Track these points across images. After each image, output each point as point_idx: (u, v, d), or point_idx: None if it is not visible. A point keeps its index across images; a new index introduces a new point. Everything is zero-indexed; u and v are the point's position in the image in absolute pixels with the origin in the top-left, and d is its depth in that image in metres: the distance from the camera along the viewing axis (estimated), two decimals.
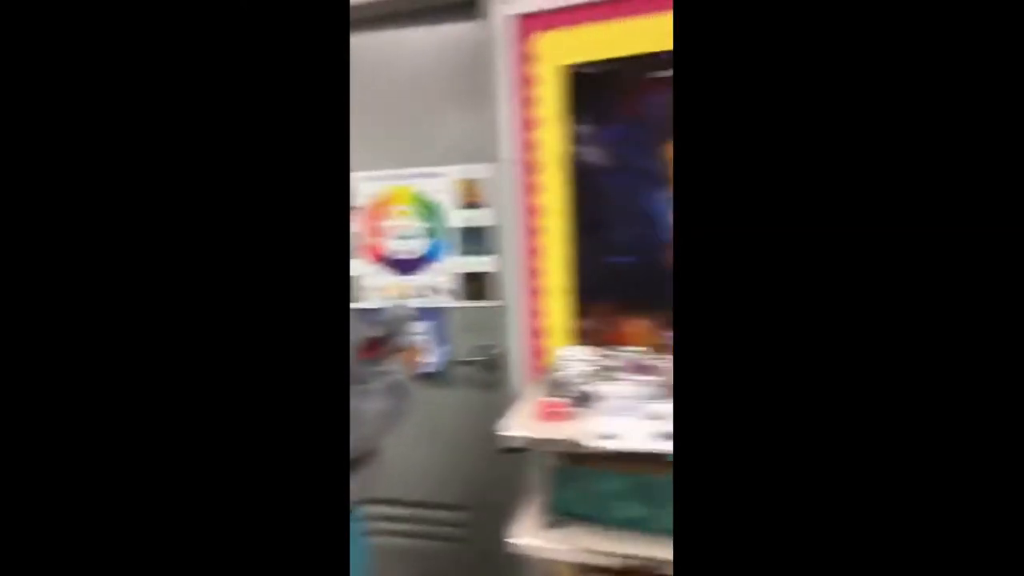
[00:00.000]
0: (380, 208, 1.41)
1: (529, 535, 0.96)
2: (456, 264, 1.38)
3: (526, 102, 1.23)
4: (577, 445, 0.88)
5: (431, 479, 1.44)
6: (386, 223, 1.41)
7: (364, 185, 1.41)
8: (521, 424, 0.96)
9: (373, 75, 1.38)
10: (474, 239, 1.36)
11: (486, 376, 1.38)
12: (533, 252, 1.27)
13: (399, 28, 1.36)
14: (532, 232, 1.27)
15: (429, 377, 1.40)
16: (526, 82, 1.23)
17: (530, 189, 1.25)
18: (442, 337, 1.40)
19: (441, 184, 1.37)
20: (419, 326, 1.36)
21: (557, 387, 1.05)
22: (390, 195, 1.40)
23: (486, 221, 1.34)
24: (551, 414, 0.98)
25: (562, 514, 0.97)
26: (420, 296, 1.40)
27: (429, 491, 1.45)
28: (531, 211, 1.26)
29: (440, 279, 1.39)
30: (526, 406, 1.05)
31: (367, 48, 1.36)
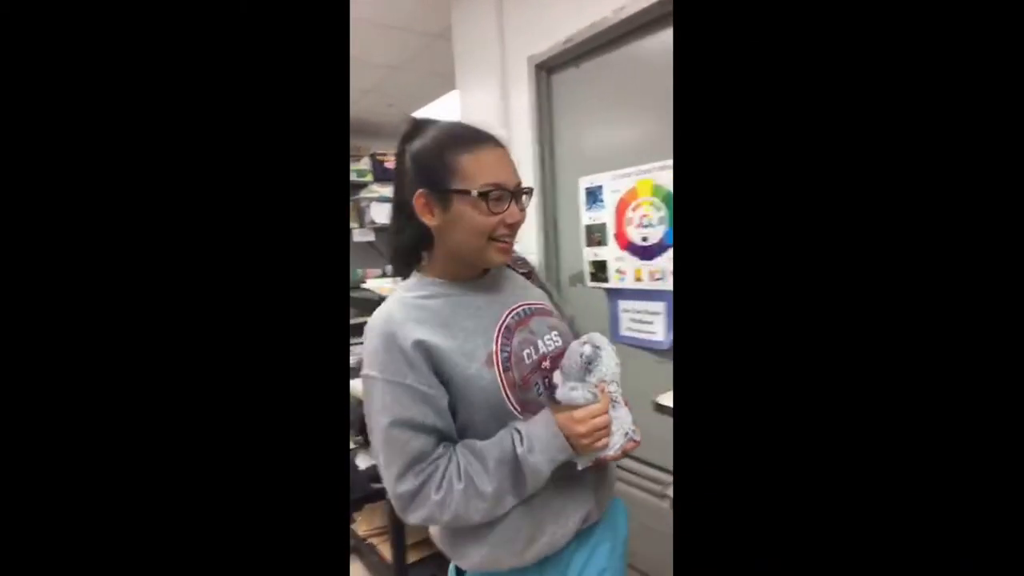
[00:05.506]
0: (627, 200, 1.53)
1: None
2: None
3: None
4: None
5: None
6: (631, 214, 1.52)
7: (614, 182, 1.55)
8: None
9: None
10: None
11: None
12: None
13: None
14: None
15: (661, 353, 1.46)
16: None
17: None
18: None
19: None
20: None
21: None
22: (635, 188, 1.50)
23: None
24: None
25: None
26: (657, 280, 1.46)
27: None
28: None
29: (671, 264, 1.43)
30: None
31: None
